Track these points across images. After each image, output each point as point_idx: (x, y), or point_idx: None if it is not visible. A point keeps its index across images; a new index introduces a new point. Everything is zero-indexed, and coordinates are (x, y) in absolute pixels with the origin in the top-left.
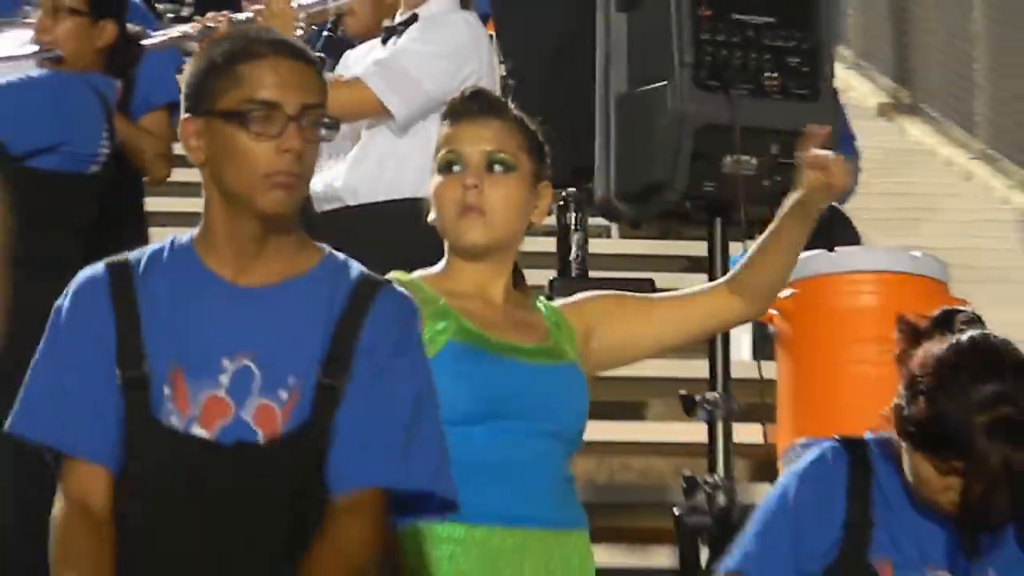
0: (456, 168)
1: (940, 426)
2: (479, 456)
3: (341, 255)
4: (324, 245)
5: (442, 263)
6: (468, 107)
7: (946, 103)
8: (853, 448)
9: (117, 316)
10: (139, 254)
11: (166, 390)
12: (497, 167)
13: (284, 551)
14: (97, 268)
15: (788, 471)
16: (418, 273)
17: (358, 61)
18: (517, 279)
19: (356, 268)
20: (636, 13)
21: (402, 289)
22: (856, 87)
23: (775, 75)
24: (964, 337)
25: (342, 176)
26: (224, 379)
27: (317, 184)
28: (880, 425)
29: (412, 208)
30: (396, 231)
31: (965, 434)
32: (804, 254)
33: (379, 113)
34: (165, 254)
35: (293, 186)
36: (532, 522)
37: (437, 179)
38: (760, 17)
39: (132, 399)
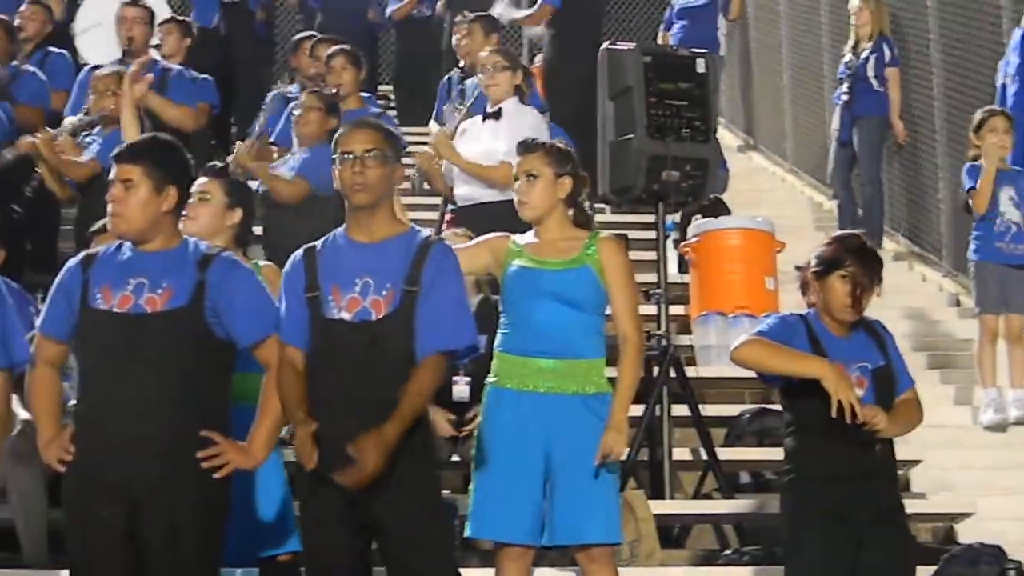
0: (516, 183)
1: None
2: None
3: (420, 229)
4: (408, 222)
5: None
6: (520, 149)
7: (770, 141)
8: (802, 315)
9: (306, 270)
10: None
11: (329, 298)
12: (531, 177)
13: (392, 396)
14: (297, 252)
15: (771, 317)
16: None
17: (477, 135)
18: (578, 222)
19: (424, 232)
20: (618, 100)
21: (448, 242)
22: (726, 135)
23: (687, 130)
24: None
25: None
26: (357, 288)
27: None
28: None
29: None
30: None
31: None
32: (702, 220)
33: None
34: (332, 236)
35: (361, 190)
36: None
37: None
38: (679, 102)
39: (312, 306)
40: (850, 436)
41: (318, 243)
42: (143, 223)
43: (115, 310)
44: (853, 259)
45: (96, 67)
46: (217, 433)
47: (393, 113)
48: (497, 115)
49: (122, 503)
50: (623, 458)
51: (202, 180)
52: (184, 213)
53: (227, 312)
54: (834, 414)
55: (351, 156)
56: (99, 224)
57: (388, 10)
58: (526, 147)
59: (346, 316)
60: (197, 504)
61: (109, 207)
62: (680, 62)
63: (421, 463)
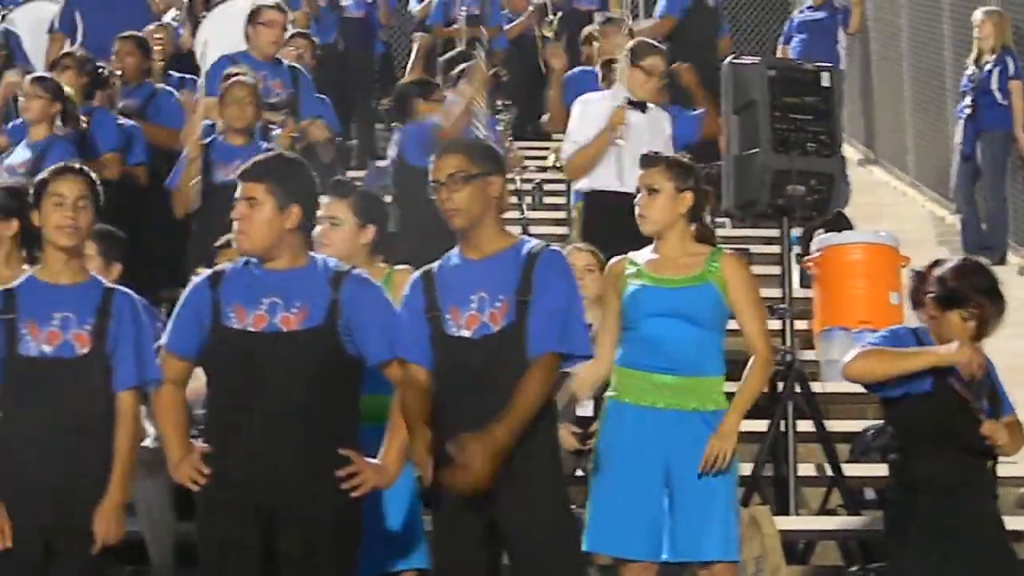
0: (637, 196)
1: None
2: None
3: (528, 239)
4: (515, 233)
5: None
6: (642, 163)
7: (891, 155)
8: (913, 329)
9: (425, 291)
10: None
11: (448, 318)
12: (652, 192)
13: (504, 400)
14: (416, 274)
15: (881, 330)
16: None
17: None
18: (701, 238)
19: (532, 242)
20: (742, 114)
21: (556, 248)
22: (847, 149)
23: (812, 144)
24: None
25: None
26: (473, 305)
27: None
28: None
29: None
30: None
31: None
32: (826, 234)
33: None
34: (448, 256)
35: (454, 216)
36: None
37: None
38: (804, 116)
39: (433, 326)
40: (964, 443)
41: (435, 264)
42: (267, 241)
43: (250, 329)
44: (979, 300)
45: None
46: (353, 451)
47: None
48: (643, 107)
49: (258, 522)
50: (729, 467)
51: (328, 202)
52: (316, 238)
53: (358, 330)
54: (969, 399)
55: (438, 183)
56: (224, 239)
57: (505, 27)
58: (648, 161)
59: (467, 333)
60: (334, 522)
61: (234, 224)
62: (805, 76)
63: (549, 470)
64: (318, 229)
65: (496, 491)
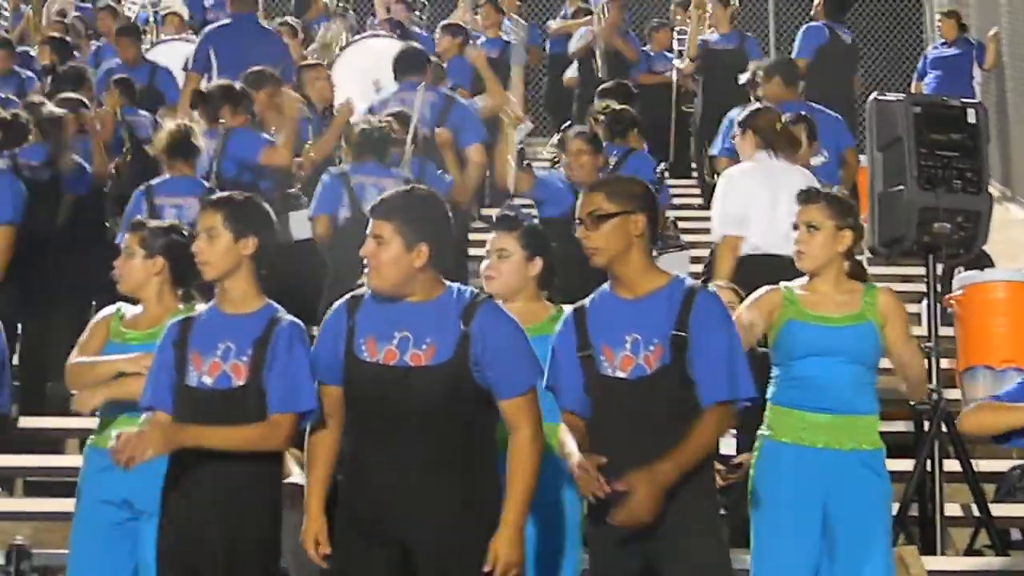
0: (795, 232)
1: None
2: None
3: (685, 278)
4: (672, 272)
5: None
6: (801, 199)
7: None
8: None
9: (577, 329)
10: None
11: (601, 358)
12: (812, 228)
13: (669, 447)
14: (569, 311)
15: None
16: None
17: None
18: (852, 274)
19: (688, 281)
20: (887, 151)
21: (713, 289)
22: None
23: (959, 181)
24: None
25: None
26: (627, 346)
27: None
28: None
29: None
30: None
31: None
32: (968, 272)
33: None
34: (599, 292)
35: (594, 254)
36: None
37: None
38: (950, 153)
39: (585, 365)
40: None
41: (587, 300)
42: (395, 279)
43: (380, 363)
44: None
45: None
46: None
47: None
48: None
49: (390, 558)
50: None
51: (496, 235)
52: (483, 271)
53: (489, 365)
54: None
55: (580, 223)
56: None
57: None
58: (808, 197)
59: (622, 375)
60: (472, 557)
61: (365, 260)
62: (951, 112)
63: (710, 509)
64: (486, 262)
65: (656, 529)
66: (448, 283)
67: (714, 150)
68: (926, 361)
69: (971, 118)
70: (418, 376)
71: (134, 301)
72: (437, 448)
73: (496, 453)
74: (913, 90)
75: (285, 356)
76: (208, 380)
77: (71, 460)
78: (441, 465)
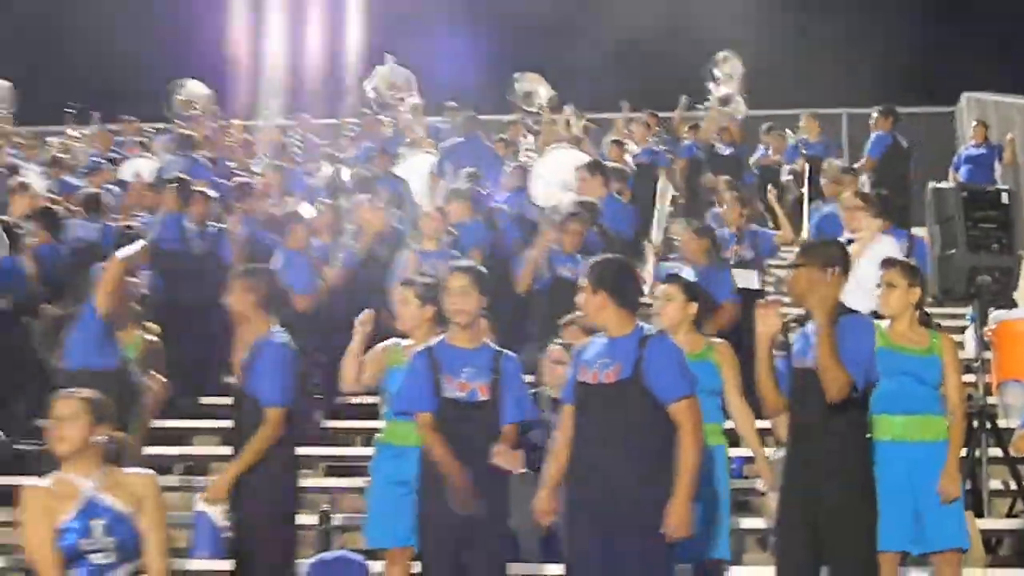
0: (878, 290)
1: None
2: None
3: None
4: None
5: None
6: (882, 265)
7: None
8: None
9: None
10: None
11: None
12: (890, 287)
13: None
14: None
15: None
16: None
17: None
18: (922, 321)
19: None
20: (943, 224)
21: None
22: None
23: (996, 246)
24: None
25: None
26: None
27: None
28: None
29: None
30: None
31: None
32: (999, 311)
33: None
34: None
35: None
36: None
37: None
38: (989, 225)
39: None
40: None
41: None
42: (602, 322)
43: (587, 382)
44: None
45: None
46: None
47: None
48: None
49: (599, 535)
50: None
51: (665, 286)
52: (654, 312)
53: (653, 379)
54: None
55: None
56: (569, 317)
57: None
58: (887, 263)
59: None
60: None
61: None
62: (989, 196)
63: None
64: (657, 305)
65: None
66: (639, 323)
67: None
68: (966, 377)
69: (1004, 199)
70: (607, 390)
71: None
72: (624, 451)
73: (670, 451)
74: (950, 179)
75: (514, 380)
76: (461, 394)
77: (358, 451)
78: (634, 465)
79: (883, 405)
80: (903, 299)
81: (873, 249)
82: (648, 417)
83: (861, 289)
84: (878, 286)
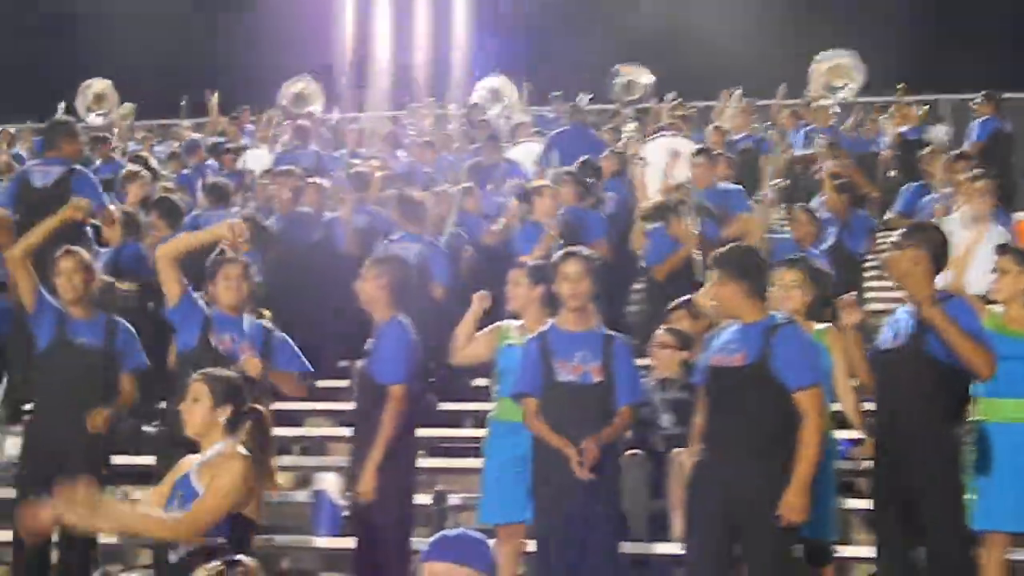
0: (992, 274)
1: None
2: None
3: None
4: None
5: None
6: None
7: None
8: None
9: None
10: None
11: None
12: (1003, 273)
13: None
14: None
15: None
16: None
17: None
18: None
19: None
20: None
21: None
22: None
23: None
24: None
25: None
26: None
27: None
28: None
29: None
30: None
31: None
32: None
33: None
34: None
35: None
36: None
37: None
38: None
39: None
40: None
41: None
42: (733, 310)
43: (716, 365)
44: None
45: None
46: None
47: None
48: None
49: (726, 514)
50: None
51: (788, 271)
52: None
53: (781, 366)
54: None
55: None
56: (676, 302)
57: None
58: (1001, 249)
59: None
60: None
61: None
62: None
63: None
64: (782, 292)
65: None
66: (770, 311)
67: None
68: None
69: None
70: (734, 373)
71: None
72: (755, 431)
73: (790, 436)
74: None
75: (626, 363)
76: (573, 377)
77: (465, 432)
78: (763, 448)
79: (993, 388)
80: (1015, 284)
81: (987, 235)
82: (769, 403)
83: (976, 273)
84: (992, 271)
